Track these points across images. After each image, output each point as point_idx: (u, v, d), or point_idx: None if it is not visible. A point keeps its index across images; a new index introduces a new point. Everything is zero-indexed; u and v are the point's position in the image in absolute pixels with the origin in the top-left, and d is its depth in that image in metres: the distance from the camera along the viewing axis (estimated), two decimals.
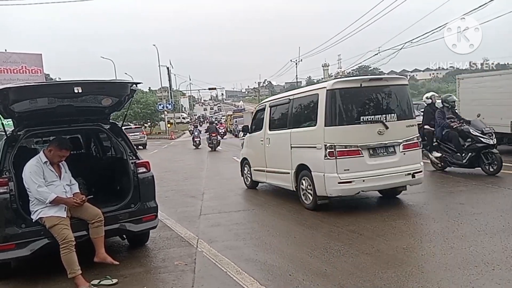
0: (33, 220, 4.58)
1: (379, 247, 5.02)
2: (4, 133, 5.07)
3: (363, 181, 6.62)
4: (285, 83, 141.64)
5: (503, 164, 8.89)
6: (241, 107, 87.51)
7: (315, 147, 6.82)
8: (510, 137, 11.96)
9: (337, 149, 6.55)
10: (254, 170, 9.48)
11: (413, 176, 6.94)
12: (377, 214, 6.65)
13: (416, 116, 7.72)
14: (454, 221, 5.92)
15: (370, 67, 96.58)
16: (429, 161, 10.28)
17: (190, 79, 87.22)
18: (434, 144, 10.27)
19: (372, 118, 6.74)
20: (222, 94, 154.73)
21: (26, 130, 5.12)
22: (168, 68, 54.52)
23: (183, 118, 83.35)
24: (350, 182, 6.57)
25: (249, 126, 9.95)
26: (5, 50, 22.01)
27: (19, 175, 4.67)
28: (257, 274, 4.49)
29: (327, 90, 6.75)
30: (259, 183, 9.68)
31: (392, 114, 6.86)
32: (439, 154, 10.10)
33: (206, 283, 4.42)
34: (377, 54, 34.50)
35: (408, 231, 5.69)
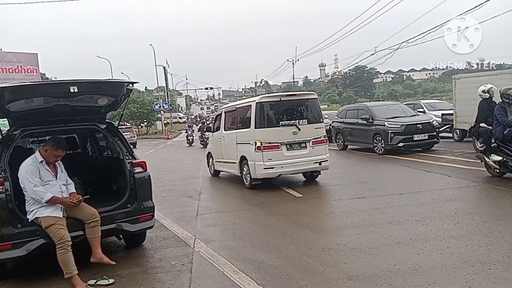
0: (29, 220, 4.56)
1: (379, 248, 5.03)
2: None
3: (282, 167, 9.29)
4: (282, 82, 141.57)
5: None
6: None
7: (250, 143, 9.41)
8: None
9: (263, 145, 9.16)
10: (215, 161, 11.99)
11: (320, 164, 9.61)
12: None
13: (325, 119, 10.31)
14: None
15: (367, 67, 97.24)
16: (483, 165, 9.05)
17: (186, 79, 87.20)
18: (492, 145, 8.60)
19: (288, 123, 9.32)
20: (219, 93, 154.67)
21: (21, 129, 5.11)
22: (164, 67, 54.42)
23: (180, 117, 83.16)
24: (272, 168, 9.21)
25: (212, 127, 12.62)
26: (1, 50, 21.92)
27: (15, 175, 4.65)
28: (254, 274, 4.48)
29: (256, 103, 9.36)
30: (220, 172, 11.99)
31: (304, 120, 9.46)
32: (499, 158, 8.44)
33: (203, 283, 4.41)
34: (373, 54, 34.72)
35: (406, 232, 5.71)
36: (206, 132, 24.12)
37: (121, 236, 5.68)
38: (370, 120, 14.87)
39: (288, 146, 9.30)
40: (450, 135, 16.60)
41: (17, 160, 4.80)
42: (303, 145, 9.43)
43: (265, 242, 5.65)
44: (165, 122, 48.63)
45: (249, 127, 9.46)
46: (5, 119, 5.45)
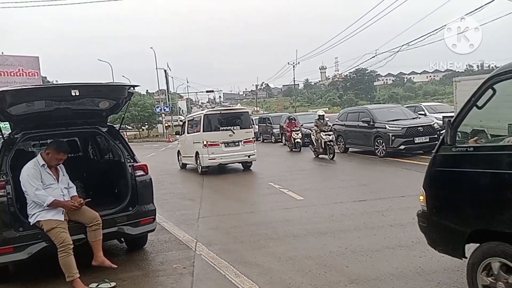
0: (31, 224, 4.56)
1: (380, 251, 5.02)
2: (1, 136, 5.05)
3: (221, 158, 13.15)
4: (283, 85, 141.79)
5: None
6: None
7: (200, 142, 13.19)
8: None
9: (208, 143, 12.96)
10: (182, 157, 15.84)
11: (249, 157, 13.51)
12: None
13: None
14: None
15: (368, 70, 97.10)
16: None
17: (187, 82, 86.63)
18: None
19: (226, 128, 13.18)
20: (220, 96, 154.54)
21: (23, 133, 5.10)
22: (165, 70, 54.43)
23: (181, 120, 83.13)
24: (214, 159, 13.08)
25: (180, 132, 16.68)
26: (2, 53, 21.96)
27: (16, 178, 4.65)
28: (255, 277, 4.48)
29: (204, 114, 13.51)
30: (187, 165, 15.53)
31: (237, 126, 13.37)
32: None
33: (204, 286, 4.41)
34: (374, 56, 34.73)
35: (408, 234, 5.70)
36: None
37: (122, 239, 5.68)
38: (371, 123, 14.87)
39: (225, 144, 13.15)
40: None
41: (19, 163, 4.81)
42: (237, 143, 13.30)
43: (267, 245, 5.64)
44: (167, 125, 48.63)
45: (200, 131, 13.36)
46: (7, 123, 5.45)
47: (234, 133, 13.16)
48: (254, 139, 13.92)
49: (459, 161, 3.38)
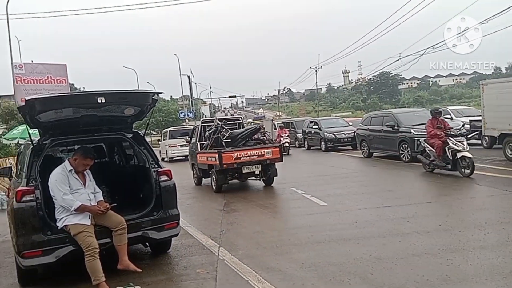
0: (59, 228, 4.68)
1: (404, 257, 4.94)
2: (30, 142, 5.20)
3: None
4: (305, 90, 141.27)
5: None
6: (261, 114, 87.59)
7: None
8: None
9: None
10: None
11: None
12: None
13: None
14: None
15: (391, 73, 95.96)
16: None
17: (210, 87, 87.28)
18: None
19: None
20: (242, 101, 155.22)
21: (51, 139, 5.24)
22: (189, 77, 55.04)
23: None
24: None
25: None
26: (32, 61, 22.68)
27: (45, 183, 4.78)
28: (278, 283, 4.46)
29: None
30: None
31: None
32: None
33: None
34: (398, 60, 34.20)
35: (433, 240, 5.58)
36: None
37: (147, 243, 5.75)
38: (396, 127, 14.63)
39: None
40: (479, 142, 16.17)
41: (47, 169, 4.94)
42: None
43: (289, 251, 5.61)
44: None
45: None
46: (36, 129, 5.61)
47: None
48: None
49: None
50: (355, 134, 18.17)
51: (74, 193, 4.75)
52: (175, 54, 52.40)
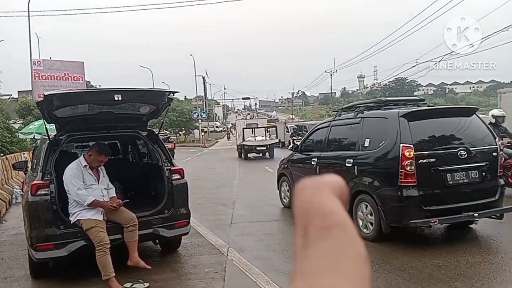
0: (71, 222, 4.73)
1: (414, 265, 4.89)
2: (47, 137, 5.29)
3: None
4: (319, 93, 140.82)
5: None
6: (274, 117, 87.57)
7: None
8: None
9: None
10: None
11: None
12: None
13: None
14: None
15: (408, 79, 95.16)
16: None
17: (224, 88, 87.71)
18: None
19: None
20: (256, 104, 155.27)
21: (67, 135, 5.31)
22: (203, 77, 55.40)
23: (216, 126, 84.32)
24: None
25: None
26: (50, 58, 23.04)
27: (59, 178, 4.85)
28: (286, 286, 4.44)
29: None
30: None
31: None
32: None
33: None
34: (414, 66, 33.81)
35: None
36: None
37: (157, 241, 5.79)
38: None
39: None
40: None
41: (62, 163, 5.01)
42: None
43: None
44: (205, 130, 49.29)
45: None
46: (53, 125, 5.70)
47: None
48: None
49: None
50: None
51: (87, 189, 4.81)
52: (191, 55, 52.62)
